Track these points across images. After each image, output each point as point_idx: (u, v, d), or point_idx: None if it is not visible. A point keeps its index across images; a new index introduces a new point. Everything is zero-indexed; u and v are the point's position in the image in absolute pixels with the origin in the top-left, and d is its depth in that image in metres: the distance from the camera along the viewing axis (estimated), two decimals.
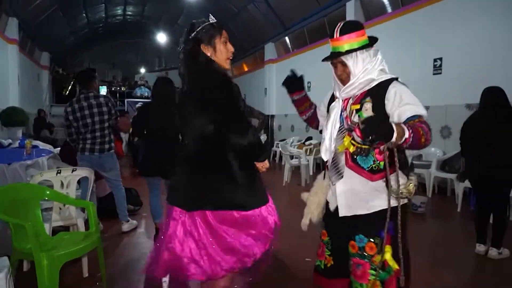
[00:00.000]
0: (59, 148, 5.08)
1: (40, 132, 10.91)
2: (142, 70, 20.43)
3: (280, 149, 7.67)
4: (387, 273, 1.63)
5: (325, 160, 1.83)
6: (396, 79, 1.71)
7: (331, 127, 1.78)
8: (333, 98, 1.88)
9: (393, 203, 1.56)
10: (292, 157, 7.58)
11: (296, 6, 10.63)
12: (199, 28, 1.74)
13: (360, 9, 8.42)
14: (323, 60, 1.82)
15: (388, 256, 1.61)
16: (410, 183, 1.54)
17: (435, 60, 6.62)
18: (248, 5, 12.08)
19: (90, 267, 2.89)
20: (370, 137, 1.34)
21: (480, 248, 3.31)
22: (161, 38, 15.81)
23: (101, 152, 3.88)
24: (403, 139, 1.42)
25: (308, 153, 8.02)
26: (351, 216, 1.71)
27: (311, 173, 7.67)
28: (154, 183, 3.61)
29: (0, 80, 9.19)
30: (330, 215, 1.83)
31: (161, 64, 21.00)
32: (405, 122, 1.52)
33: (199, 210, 1.65)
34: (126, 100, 16.71)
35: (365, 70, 1.67)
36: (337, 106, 1.80)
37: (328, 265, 1.85)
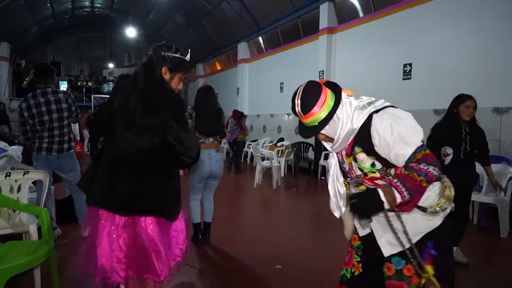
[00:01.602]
0: (22, 146, 4.72)
1: (0, 127, 10.24)
2: (111, 65, 19.72)
3: (252, 150, 7.56)
4: None
5: (337, 217, 1.75)
6: (373, 112, 1.56)
7: (334, 182, 1.72)
8: None
9: (434, 224, 1.54)
10: (263, 159, 7.49)
11: (270, 6, 10.57)
12: (175, 55, 1.90)
13: (334, 11, 8.47)
14: (304, 137, 1.68)
15: (431, 277, 1.53)
16: (446, 188, 1.55)
17: (405, 66, 6.74)
18: (222, 3, 11.91)
19: (44, 280, 2.66)
20: (362, 217, 1.42)
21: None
22: (131, 32, 15.30)
23: (60, 152, 3.62)
24: (397, 202, 1.39)
25: (279, 155, 7.96)
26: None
27: (282, 175, 7.62)
28: None
29: None
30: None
31: (130, 60, 20.32)
32: (408, 167, 1.45)
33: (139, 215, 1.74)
34: (93, 96, 16.06)
35: (341, 126, 1.57)
36: (333, 162, 1.73)
37: (356, 273, 1.71)
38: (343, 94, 1.60)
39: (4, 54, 13.29)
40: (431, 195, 1.55)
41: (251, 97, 12.56)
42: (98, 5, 16.01)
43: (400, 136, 1.47)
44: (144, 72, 1.85)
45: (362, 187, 1.62)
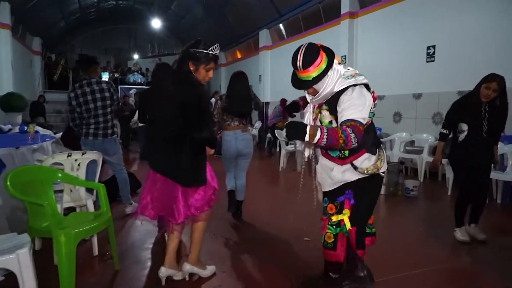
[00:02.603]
0: (61, 134, 5.13)
1: (35, 118, 10.86)
2: (136, 56, 20.22)
3: (276, 135, 7.79)
4: (340, 230, 2.16)
5: (305, 154, 2.34)
6: (352, 86, 2.01)
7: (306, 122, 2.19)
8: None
9: (352, 177, 2.10)
10: (287, 143, 7.72)
11: None
12: (198, 49, 2.31)
13: None
14: (296, 88, 2.15)
15: (345, 217, 2.14)
16: (378, 161, 2.12)
17: (428, 48, 6.75)
18: None
19: (99, 246, 3.02)
20: (287, 136, 1.89)
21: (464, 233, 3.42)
22: (156, 24, 15.64)
23: (104, 137, 3.96)
24: (315, 140, 1.83)
25: None
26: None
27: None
28: None
29: None
30: None
31: (154, 50, 20.80)
32: (341, 125, 1.93)
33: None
34: (119, 87, 16.60)
35: (326, 86, 2.03)
36: (309, 110, 2.25)
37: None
38: (335, 61, 2.04)
39: (37, 48, 13.93)
40: (366, 163, 2.10)
41: (273, 84, 12.73)
42: None
43: (353, 106, 1.94)
44: (176, 66, 2.39)
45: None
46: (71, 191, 2.91)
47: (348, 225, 2.13)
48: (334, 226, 2.17)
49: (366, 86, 2.08)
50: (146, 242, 3.38)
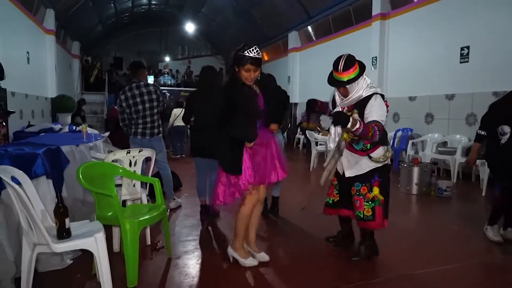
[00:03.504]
0: (108, 133, 5.50)
1: (74, 119, 11.47)
2: (167, 59, 20.81)
3: (308, 135, 7.95)
4: (375, 203, 2.83)
5: (331, 146, 2.94)
6: (376, 93, 2.73)
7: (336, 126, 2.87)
8: (334, 101, 2.98)
9: (376, 165, 2.83)
10: (317, 144, 7.85)
11: None
12: (238, 53, 2.57)
13: None
14: (331, 85, 2.85)
15: (376, 192, 2.83)
16: (387, 152, 2.82)
17: (462, 49, 6.72)
18: None
19: (152, 236, 3.31)
20: (334, 122, 2.68)
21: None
22: (189, 27, 16.11)
23: (151, 136, 4.28)
24: (355, 128, 2.52)
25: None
26: (351, 176, 2.90)
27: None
28: (203, 165, 3.96)
29: (39, 69, 9.72)
30: (339, 174, 3.02)
31: (184, 52, 21.33)
32: (368, 123, 2.60)
33: None
34: None
35: (356, 90, 2.73)
36: (337, 110, 2.84)
37: (335, 200, 3.12)
38: (364, 73, 2.76)
39: (76, 52, 14.68)
40: (379, 153, 2.80)
41: (302, 85, 12.86)
42: (155, 2, 16.98)
43: (376, 110, 2.67)
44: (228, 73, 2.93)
45: (345, 133, 2.73)
46: (128, 185, 3.21)
47: (380, 197, 2.82)
48: (370, 202, 2.83)
49: (382, 96, 2.77)
50: (192, 234, 3.64)
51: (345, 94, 2.79)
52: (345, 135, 2.76)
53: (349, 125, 2.49)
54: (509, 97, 3.33)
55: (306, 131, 8.39)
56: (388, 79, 8.67)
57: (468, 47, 6.62)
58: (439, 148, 6.69)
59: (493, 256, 3.23)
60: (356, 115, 2.64)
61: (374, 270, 2.90)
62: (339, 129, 2.84)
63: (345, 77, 2.68)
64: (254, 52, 2.53)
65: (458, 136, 6.64)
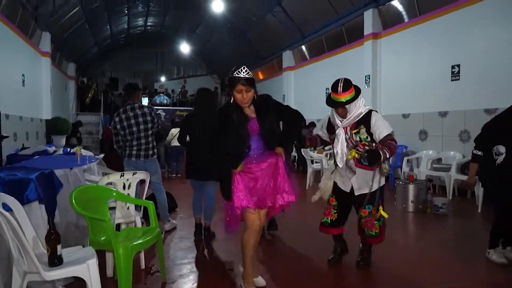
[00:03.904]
0: (102, 155, 5.48)
1: (70, 140, 11.44)
2: (162, 79, 20.99)
3: (303, 154, 7.96)
4: (381, 221, 3.09)
5: (340, 166, 3.09)
6: (372, 110, 3.01)
7: (341, 146, 3.02)
8: (330, 125, 3.14)
9: (383, 181, 3.05)
10: (312, 162, 7.86)
11: (314, 15, 10.95)
12: (230, 76, 2.56)
13: (378, 17, 8.70)
14: (331, 106, 3.03)
15: (381, 210, 3.04)
16: (385, 166, 3.04)
17: (453, 67, 6.84)
18: (267, 15, 12.47)
19: (146, 260, 3.26)
20: (370, 163, 2.87)
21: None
22: (184, 48, 16.30)
23: (146, 158, 4.26)
24: (387, 156, 2.79)
25: (329, 158, 8.28)
26: (361, 194, 3.06)
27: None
28: (198, 185, 3.96)
29: (35, 91, 9.75)
30: (342, 192, 3.17)
31: (179, 72, 21.54)
32: (383, 139, 2.87)
33: None
34: None
35: (355, 110, 2.94)
36: (341, 133, 3.02)
37: (333, 219, 3.23)
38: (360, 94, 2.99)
39: (72, 73, 14.77)
40: (384, 165, 2.99)
41: (297, 103, 12.93)
42: (150, 23, 17.24)
43: (383, 125, 2.92)
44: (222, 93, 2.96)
45: (352, 151, 2.99)
46: (122, 208, 3.17)
47: (385, 215, 3.06)
48: (378, 221, 3.07)
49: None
50: (187, 256, 3.59)
51: (343, 115, 2.97)
52: (353, 153, 2.99)
53: (382, 158, 2.76)
54: (502, 117, 3.33)
55: (302, 149, 8.42)
56: (382, 97, 8.77)
57: (458, 66, 6.75)
58: (433, 165, 6.72)
59: (494, 277, 3.19)
60: (363, 131, 2.97)
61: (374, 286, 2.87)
62: (345, 148, 3.01)
63: (344, 98, 2.89)
64: (244, 72, 2.50)
65: (452, 152, 6.68)
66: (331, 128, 3.13)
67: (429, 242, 4.08)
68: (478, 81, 6.35)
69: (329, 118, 3.17)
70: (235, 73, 2.51)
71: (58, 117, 9.88)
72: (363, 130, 2.93)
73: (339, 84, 2.89)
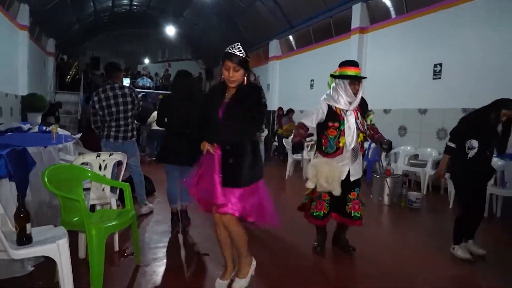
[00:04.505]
0: (79, 135, 5.34)
1: (47, 118, 11.10)
2: (146, 61, 20.56)
3: (284, 143, 7.99)
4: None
5: (349, 148, 3.11)
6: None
7: (353, 129, 3.11)
8: (331, 113, 3.13)
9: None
10: (293, 152, 7.90)
11: (303, 6, 10.89)
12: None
13: (366, 12, 8.73)
14: (353, 79, 3.13)
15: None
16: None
17: (435, 66, 6.96)
18: (256, 2, 12.32)
19: (121, 242, 3.22)
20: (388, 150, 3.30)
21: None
22: (170, 31, 15.90)
23: (124, 140, 4.18)
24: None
25: (309, 149, 8.34)
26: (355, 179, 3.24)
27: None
28: (174, 172, 3.90)
29: (10, 66, 9.37)
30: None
31: (164, 55, 21.14)
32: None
33: None
34: None
35: (361, 91, 3.19)
36: (352, 116, 3.13)
37: (326, 211, 3.26)
38: None
39: (51, 49, 14.25)
40: None
41: (281, 93, 12.96)
42: (136, 3, 16.76)
43: None
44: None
45: (361, 135, 3.17)
46: (97, 189, 3.11)
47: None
48: (362, 204, 3.29)
49: None
50: (162, 240, 3.57)
51: (356, 92, 3.13)
52: (361, 137, 3.16)
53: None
54: (481, 113, 3.42)
55: (283, 139, 8.45)
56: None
57: (441, 64, 6.86)
58: (410, 161, 6.87)
59: (459, 269, 3.31)
60: (372, 115, 3.30)
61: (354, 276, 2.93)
62: (355, 131, 3.10)
63: (360, 71, 3.17)
64: (236, 49, 2.34)
65: (429, 149, 6.84)
66: (334, 116, 3.11)
67: (401, 235, 4.20)
68: (458, 80, 6.48)
69: (329, 106, 3.14)
70: (228, 48, 2.37)
71: (34, 93, 9.54)
72: (372, 115, 3.27)
73: (354, 61, 3.16)
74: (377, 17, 8.58)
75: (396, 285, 2.84)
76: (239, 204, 2.33)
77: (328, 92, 3.26)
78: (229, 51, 2.35)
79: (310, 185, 3.14)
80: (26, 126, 5.73)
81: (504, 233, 4.44)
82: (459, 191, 3.59)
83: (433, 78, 6.99)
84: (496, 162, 4.26)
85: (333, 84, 3.22)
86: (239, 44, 2.37)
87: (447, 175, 3.84)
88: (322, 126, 3.20)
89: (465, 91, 6.29)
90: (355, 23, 8.82)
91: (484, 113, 3.38)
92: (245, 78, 2.40)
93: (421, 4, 7.37)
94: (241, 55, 2.34)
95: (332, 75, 3.23)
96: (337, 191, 3.05)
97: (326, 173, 3.03)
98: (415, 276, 3.03)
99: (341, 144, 3.11)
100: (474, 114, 3.52)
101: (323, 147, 3.19)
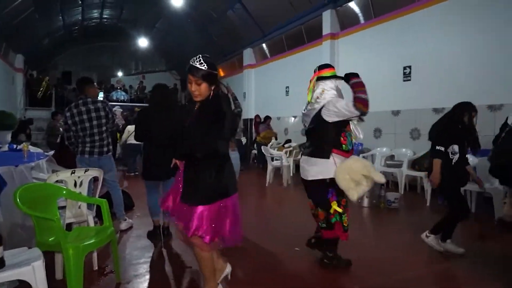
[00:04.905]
0: (52, 152, 5.19)
1: (18, 136, 10.72)
2: (120, 74, 20.23)
3: (263, 151, 8.01)
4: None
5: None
6: None
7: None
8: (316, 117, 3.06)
9: None
10: (272, 159, 7.94)
11: (274, 14, 11.03)
12: None
13: (336, 18, 8.94)
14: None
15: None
16: None
17: (404, 68, 7.19)
18: (228, 11, 12.40)
19: (100, 260, 3.13)
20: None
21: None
22: (142, 42, 15.75)
23: (100, 155, 4.09)
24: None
25: (288, 155, 8.41)
26: None
27: (291, 174, 8.06)
28: (155, 184, 3.85)
29: None
30: None
31: (138, 67, 20.89)
32: None
33: None
34: None
35: None
36: None
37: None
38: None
39: (20, 65, 13.85)
40: None
41: (258, 101, 13.02)
42: (106, 16, 16.55)
43: None
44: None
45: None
46: (73, 207, 3.02)
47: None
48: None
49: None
50: (144, 256, 3.49)
51: None
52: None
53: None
54: (452, 119, 3.50)
55: (262, 147, 8.47)
56: None
57: (410, 67, 7.10)
58: (387, 162, 7.02)
59: (440, 263, 3.40)
60: None
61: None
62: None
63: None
64: (197, 62, 2.21)
65: (404, 149, 7.02)
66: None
67: (384, 235, 4.27)
68: (427, 81, 6.72)
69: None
70: (191, 61, 2.24)
71: (3, 111, 9.17)
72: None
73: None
74: (347, 23, 8.80)
75: (384, 285, 2.88)
76: (198, 222, 2.17)
77: (332, 91, 3.11)
78: (191, 63, 2.23)
79: (354, 196, 2.86)
80: None
81: (480, 228, 4.59)
82: (447, 195, 3.63)
83: (404, 80, 7.22)
84: (470, 160, 4.41)
85: (335, 84, 3.15)
86: (201, 56, 2.23)
87: (424, 174, 3.92)
88: (341, 124, 3.02)
89: (435, 92, 6.52)
90: (326, 29, 9.02)
91: (456, 118, 3.48)
92: (211, 91, 2.27)
93: (387, 9, 7.62)
94: (202, 67, 2.20)
95: (335, 76, 3.18)
96: (382, 177, 2.91)
97: (362, 167, 2.86)
98: (400, 273, 3.08)
99: (353, 140, 3.10)
100: (446, 119, 3.58)
101: (343, 146, 3.00)
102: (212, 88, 2.27)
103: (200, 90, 2.22)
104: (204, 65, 2.21)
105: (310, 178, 3.05)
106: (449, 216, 3.55)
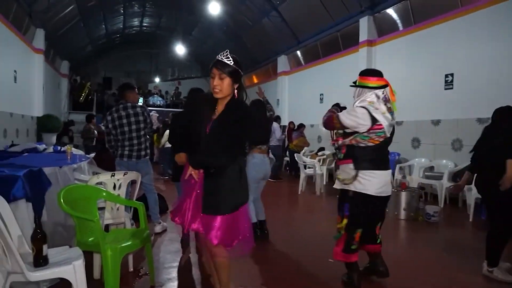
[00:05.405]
0: (93, 154, 5.40)
1: (61, 138, 11.29)
2: (157, 80, 20.88)
3: (296, 158, 7.94)
4: None
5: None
6: None
7: None
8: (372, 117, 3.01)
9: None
10: (305, 167, 7.84)
11: (310, 21, 11.00)
12: None
13: (373, 25, 8.76)
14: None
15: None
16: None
17: (446, 76, 6.90)
18: (263, 19, 12.49)
19: (135, 262, 3.19)
20: None
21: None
22: (179, 49, 16.16)
23: (138, 158, 4.20)
24: None
25: (321, 163, 8.28)
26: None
27: (324, 182, 7.93)
28: None
29: (26, 87, 9.62)
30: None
31: (174, 74, 21.47)
32: None
33: None
34: None
35: None
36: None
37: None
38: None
39: (65, 71, 14.64)
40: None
41: (291, 108, 12.98)
42: (146, 24, 17.18)
43: None
44: None
45: None
46: (112, 209, 3.11)
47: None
48: None
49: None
50: (176, 260, 3.53)
51: None
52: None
53: None
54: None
55: (294, 154, 8.40)
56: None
57: (452, 75, 6.80)
58: (426, 173, 6.75)
59: (482, 283, 3.19)
60: None
61: None
62: None
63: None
64: (224, 56, 2.15)
65: (444, 161, 6.71)
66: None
67: (422, 250, 4.08)
68: (471, 90, 6.40)
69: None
70: (217, 56, 2.19)
71: (49, 114, 9.78)
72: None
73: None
74: (385, 29, 8.60)
75: None
76: (219, 232, 2.14)
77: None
78: (217, 58, 2.16)
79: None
80: (41, 147, 5.83)
81: None
82: (497, 208, 3.24)
83: (445, 89, 6.92)
84: None
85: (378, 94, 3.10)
86: (228, 51, 2.18)
87: (467, 187, 3.68)
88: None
89: (479, 101, 6.20)
90: (363, 36, 8.85)
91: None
92: (235, 91, 2.19)
93: (428, 15, 7.37)
94: (228, 62, 2.13)
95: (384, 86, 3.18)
96: None
97: None
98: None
99: None
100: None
101: None
102: (235, 86, 2.19)
103: (222, 85, 2.14)
104: (230, 61, 2.15)
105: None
106: (491, 238, 3.20)
